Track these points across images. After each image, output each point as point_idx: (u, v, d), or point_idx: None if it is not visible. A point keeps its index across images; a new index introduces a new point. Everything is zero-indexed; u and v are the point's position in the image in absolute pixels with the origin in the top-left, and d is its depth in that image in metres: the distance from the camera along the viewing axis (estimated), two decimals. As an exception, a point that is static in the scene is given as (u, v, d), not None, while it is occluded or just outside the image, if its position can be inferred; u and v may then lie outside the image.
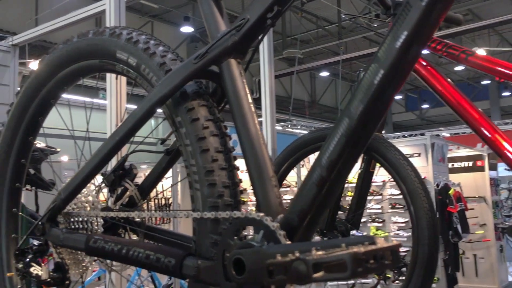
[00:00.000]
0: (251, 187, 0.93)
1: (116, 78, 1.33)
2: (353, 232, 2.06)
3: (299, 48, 15.08)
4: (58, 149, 3.45)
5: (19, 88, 1.44)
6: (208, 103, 1.02)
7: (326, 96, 22.09)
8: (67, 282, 1.15)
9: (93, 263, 1.19)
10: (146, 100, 1.02)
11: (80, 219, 1.16)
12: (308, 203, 0.82)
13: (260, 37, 1.01)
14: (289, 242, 0.80)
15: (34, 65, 5.73)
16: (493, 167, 9.55)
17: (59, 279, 1.13)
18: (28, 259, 1.14)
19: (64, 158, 8.55)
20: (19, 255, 1.16)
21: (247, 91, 0.97)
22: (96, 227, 1.15)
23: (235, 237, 0.87)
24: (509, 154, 1.46)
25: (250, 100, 0.97)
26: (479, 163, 9.24)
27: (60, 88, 1.35)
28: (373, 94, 0.76)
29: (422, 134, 12.56)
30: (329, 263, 0.60)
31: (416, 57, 0.75)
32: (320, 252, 0.63)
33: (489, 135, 1.52)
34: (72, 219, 1.17)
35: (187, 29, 14.71)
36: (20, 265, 1.14)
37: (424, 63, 1.71)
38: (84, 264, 1.18)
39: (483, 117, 1.55)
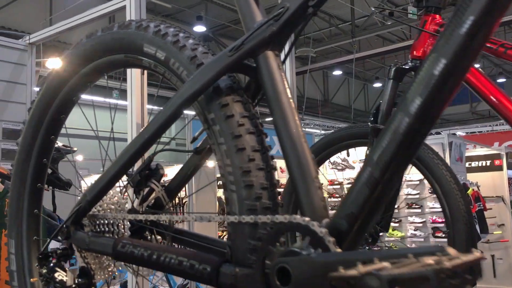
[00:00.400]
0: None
1: (142, 74, 1.27)
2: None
3: (312, 47, 14.98)
4: (75, 149, 3.42)
5: (36, 88, 1.39)
6: (242, 98, 0.95)
7: (339, 95, 21.94)
8: (93, 287, 1.10)
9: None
10: (177, 96, 0.96)
11: (106, 221, 1.10)
12: (358, 206, 0.75)
13: (300, 27, 0.95)
14: (339, 250, 0.73)
15: (50, 64, 5.71)
16: (511, 166, 9.37)
17: (84, 285, 1.08)
18: (52, 264, 1.09)
19: (79, 158, 8.56)
20: (42, 259, 1.11)
21: (286, 85, 0.91)
22: (122, 230, 1.09)
23: (277, 243, 0.80)
24: None
25: (290, 95, 0.90)
26: (497, 162, 9.08)
27: (83, 85, 1.30)
28: (434, 87, 0.69)
29: (438, 133, 12.41)
30: (407, 279, 0.53)
31: (483, 44, 0.68)
32: (389, 264, 0.56)
33: None
34: (97, 222, 1.12)
35: (200, 28, 14.67)
36: (44, 270, 1.09)
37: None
38: (110, 269, 1.12)
39: None
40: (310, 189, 0.84)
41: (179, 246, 1.12)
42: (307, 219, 0.77)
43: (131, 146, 1.03)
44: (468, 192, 8.30)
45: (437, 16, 1.70)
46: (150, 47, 1.07)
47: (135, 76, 2.09)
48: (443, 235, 8.53)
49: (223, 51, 0.94)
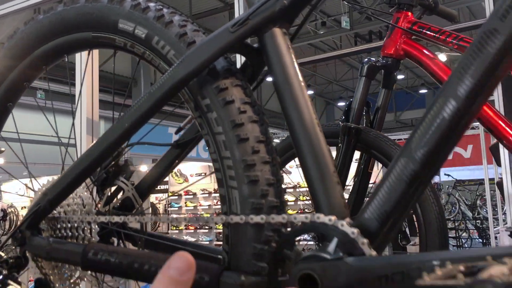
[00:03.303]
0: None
1: (89, 54, 1.10)
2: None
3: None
4: (3, 149, 3.12)
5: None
6: (242, 82, 0.84)
7: (272, 101, 22.11)
8: (52, 302, 0.93)
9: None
10: (167, 78, 0.82)
11: (70, 225, 0.94)
12: (393, 202, 0.66)
13: (314, 1, 0.84)
14: (374, 253, 0.64)
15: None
16: (436, 172, 9.81)
17: (42, 300, 0.91)
18: (2, 276, 0.91)
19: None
20: (-10, 271, 0.92)
21: (297, 68, 0.80)
22: (89, 235, 0.93)
23: (294, 247, 0.69)
24: None
25: (301, 79, 0.80)
26: (423, 168, 9.50)
27: (38, 67, 1.12)
28: (489, 63, 0.61)
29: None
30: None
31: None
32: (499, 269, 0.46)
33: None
34: (58, 226, 0.95)
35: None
36: (-6, 284, 0.91)
37: (433, 57, 1.61)
38: (72, 281, 0.95)
39: (499, 115, 1.45)
40: (329, 184, 0.73)
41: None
42: (333, 218, 0.67)
43: (107, 135, 0.88)
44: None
45: (409, 13, 1.67)
46: (127, 23, 0.92)
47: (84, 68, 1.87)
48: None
49: (224, 27, 0.81)
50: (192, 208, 9.59)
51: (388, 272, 0.58)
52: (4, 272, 0.91)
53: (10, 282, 0.90)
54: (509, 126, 1.45)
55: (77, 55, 2.02)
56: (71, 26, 1.02)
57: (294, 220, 0.70)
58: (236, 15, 3.24)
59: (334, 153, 1.72)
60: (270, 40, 0.80)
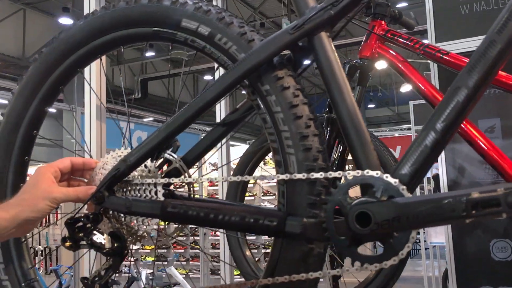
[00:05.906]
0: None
1: (171, 48, 1.27)
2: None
3: (186, 51, 15.05)
4: None
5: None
6: (293, 73, 1.07)
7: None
8: (125, 251, 1.11)
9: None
10: (238, 67, 1.03)
11: (139, 188, 1.12)
12: (421, 162, 0.92)
13: (352, 13, 1.09)
14: (410, 195, 0.89)
15: None
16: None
17: (119, 249, 1.08)
18: (89, 227, 1.08)
19: None
20: (72, 224, 1.09)
21: (339, 63, 1.04)
22: (155, 196, 1.12)
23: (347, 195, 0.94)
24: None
25: (343, 72, 1.04)
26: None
27: (93, 56, 1.29)
28: (490, 64, 0.89)
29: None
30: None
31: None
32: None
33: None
34: (129, 188, 1.13)
35: (66, 20, 13.81)
36: (80, 234, 1.07)
37: (402, 60, 1.91)
38: (139, 234, 1.14)
39: None
40: (368, 150, 0.99)
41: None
42: (379, 172, 0.92)
43: (184, 112, 1.08)
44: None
45: (383, 22, 1.97)
46: (191, 22, 1.12)
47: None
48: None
49: (284, 29, 1.04)
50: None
51: (426, 206, 0.84)
52: (88, 225, 1.08)
53: (95, 232, 1.08)
54: None
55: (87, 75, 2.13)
56: (132, 21, 1.20)
57: (347, 175, 0.94)
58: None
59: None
60: (318, 42, 1.04)
